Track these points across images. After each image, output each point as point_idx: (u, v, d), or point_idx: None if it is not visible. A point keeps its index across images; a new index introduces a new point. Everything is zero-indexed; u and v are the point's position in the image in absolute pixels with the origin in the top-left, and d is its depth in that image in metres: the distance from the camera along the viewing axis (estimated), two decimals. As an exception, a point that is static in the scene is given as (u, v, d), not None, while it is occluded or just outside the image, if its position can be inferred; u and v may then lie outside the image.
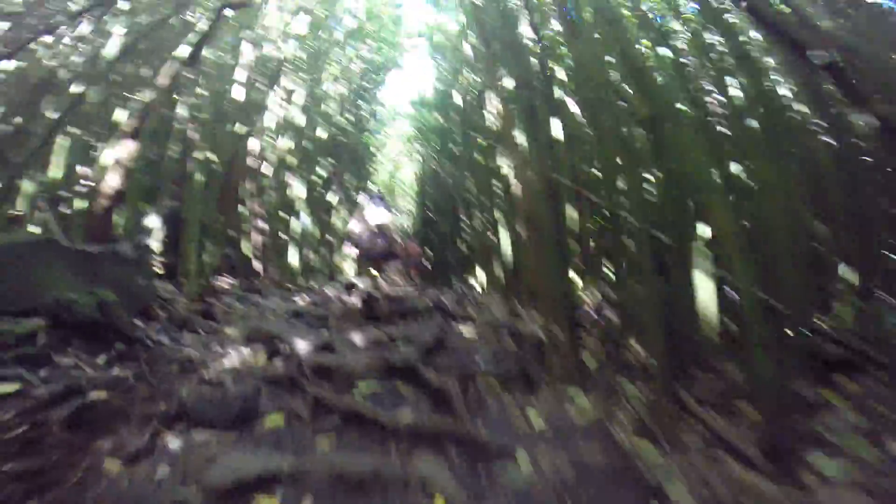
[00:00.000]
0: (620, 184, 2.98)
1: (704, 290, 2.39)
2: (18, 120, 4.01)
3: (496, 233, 7.90)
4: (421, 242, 18.18)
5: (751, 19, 2.76)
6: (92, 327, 2.50)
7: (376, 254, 5.64)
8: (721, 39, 3.49)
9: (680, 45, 4.20)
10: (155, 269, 4.54)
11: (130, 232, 4.38)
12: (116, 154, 4.17)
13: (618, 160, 2.86)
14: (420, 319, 5.03)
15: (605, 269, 4.73)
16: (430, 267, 17.42)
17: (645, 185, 2.79)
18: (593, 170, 3.90)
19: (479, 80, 10.69)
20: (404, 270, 13.39)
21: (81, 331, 2.49)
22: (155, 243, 4.67)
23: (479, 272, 10.54)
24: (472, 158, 10.96)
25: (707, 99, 3.76)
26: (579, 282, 5.70)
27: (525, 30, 7.33)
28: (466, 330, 4.49)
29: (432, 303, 5.91)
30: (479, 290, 9.78)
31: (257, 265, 7.62)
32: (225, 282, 6.39)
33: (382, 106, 15.79)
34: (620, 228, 2.89)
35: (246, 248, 7.53)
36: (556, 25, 4.92)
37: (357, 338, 3.84)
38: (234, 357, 3.14)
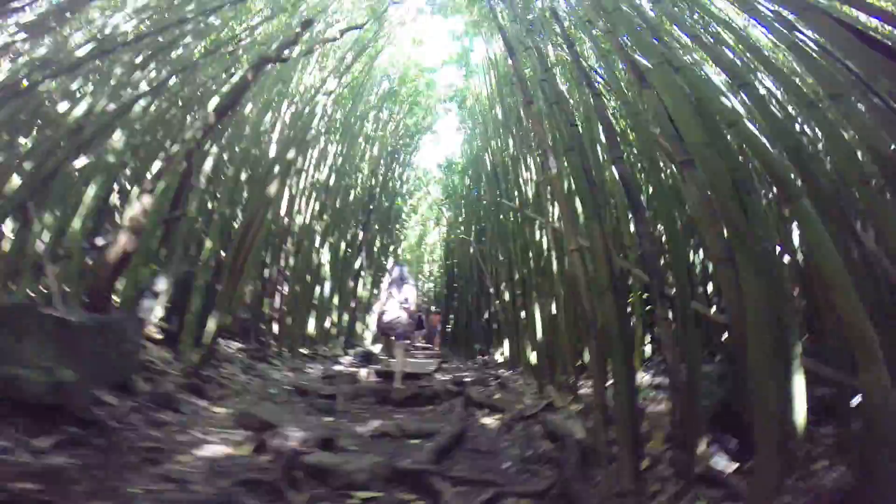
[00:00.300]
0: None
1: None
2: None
3: (529, 307, 7.35)
4: (445, 310, 17.69)
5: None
6: (40, 407, 2.08)
7: (401, 325, 5.45)
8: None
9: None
10: (153, 335, 4.17)
11: (133, 296, 4.09)
12: (132, 212, 3.99)
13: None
14: (438, 405, 4.42)
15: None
16: (450, 336, 16.82)
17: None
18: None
19: (514, 144, 10.80)
20: (426, 338, 12.78)
21: (27, 410, 2.07)
22: (158, 307, 4.33)
23: (506, 346, 9.90)
24: (503, 226, 10.74)
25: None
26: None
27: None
28: (491, 422, 3.85)
29: (455, 386, 5.31)
30: (503, 365, 9.11)
31: (274, 330, 7.25)
32: (236, 347, 5.99)
33: (414, 170, 16.02)
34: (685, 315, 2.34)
35: (263, 310, 7.22)
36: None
37: (364, 428, 3.28)
38: (214, 447, 2.63)
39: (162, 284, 4.45)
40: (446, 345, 15.57)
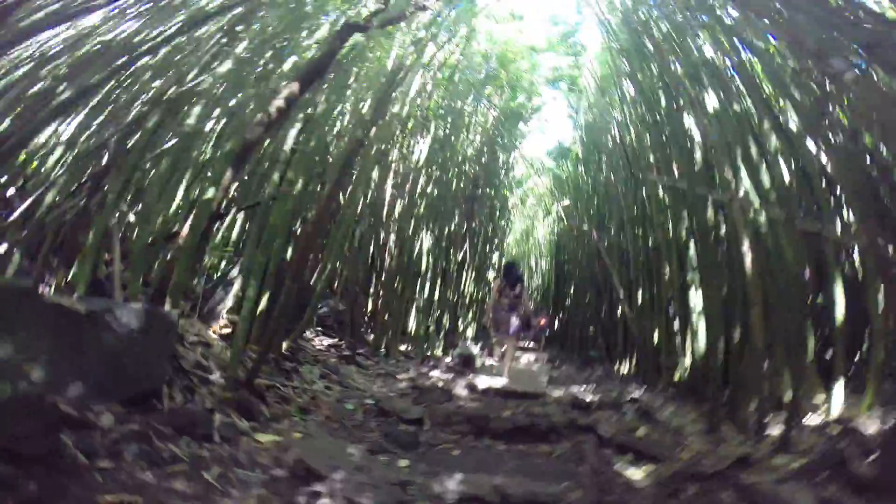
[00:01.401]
0: None
1: None
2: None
3: (686, 312, 5.72)
4: (553, 310, 16.05)
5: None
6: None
7: (511, 325, 5.57)
8: None
9: None
10: (220, 331, 3.60)
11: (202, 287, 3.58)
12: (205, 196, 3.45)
13: None
14: (556, 442, 3.20)
15: None
16: (558, 339, 15.13)
17: None
18: None
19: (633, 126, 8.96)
20: (532, 339, 11.41)
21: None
22: (229, 300, 3.75)
23: (635, 357, 8.16)
24: (638, 214, 8.97)
25: None
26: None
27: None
28: (643, 479, 2.54)
29: (575, 410, 4.02)
30: (629, 379, 7.42)
31: (373, 326, 6.62)
32: (327, 344, 5.39)
33: (520, 158, 14.69)
34: None
35: (362, 305, 6.63)
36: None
37: (447, 485, 2.21)
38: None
39: (236, 274, 3.88)
40: (554, 348, 14.03)
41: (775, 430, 3.50)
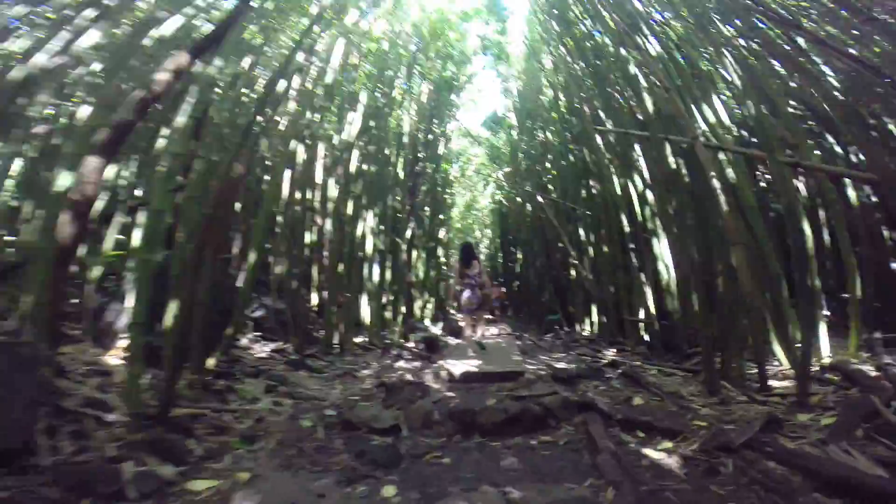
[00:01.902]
0: None
1: None
2: None
3: (646, 263, 5.51)
4: (501, 279, 15.94)
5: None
6: None
7: (475, 302, 6.16)
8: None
9: None
10: (122, 354, 2.77)
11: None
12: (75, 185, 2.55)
13: None
14: (556, 428, 2.79)
15: None
16: (511, 307, 15.11)
17: None
18: None
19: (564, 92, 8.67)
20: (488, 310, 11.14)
21: None
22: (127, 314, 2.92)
23: (595, 318, 8.06)
24: (588, 170, 8.75)
25: None
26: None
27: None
28: (670, 460, 2.16)
29: (562, 386, 3.64)
30: (594, 341, 7.32)
31: (323, 321, 5.87)
32: (271, 349, 4.62)
33: (456, 129, 14.13)
34: None
35: (305, 299, 5.84)
36: None
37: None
38: None
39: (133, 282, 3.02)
40: (511, 317, 13.98)
41: (775, 383, 3.33)
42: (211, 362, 3.13)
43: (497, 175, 14.30)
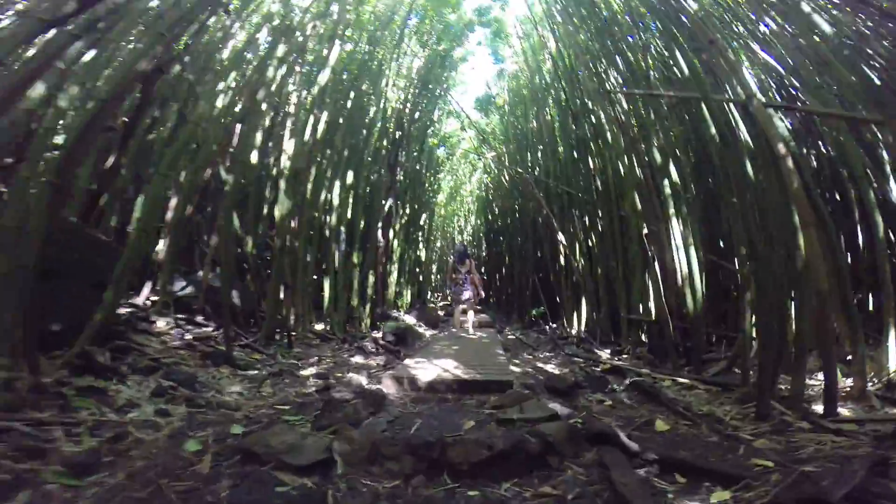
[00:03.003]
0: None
1: None
2: None
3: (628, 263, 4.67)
4: (483, 269, 15.04)
5: None
6: None
7: (467, 294, 6.63)
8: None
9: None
10: None
11: None
12: None
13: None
14: (560, 472, 1.90)
15: None
16: (493, 299, 14.22)
17: None
18: None
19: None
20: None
21: None
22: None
23: (584, 314, 7.22)
24: (568, 158, 7.85)
25: None
26: None
27: None
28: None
29: (557, 399, 2.76)
30: (580, 340, 6.47)
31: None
32: (196, 335, 3.64)
33: (447, 110, 13.11)
34: None
35: (251, 278, 4.83)
36: None
37: None
38: None
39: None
40: (492, 309, 13.12)
41: (833, 406, 2.50)
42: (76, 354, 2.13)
43: (487, 156, 13.33)
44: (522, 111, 10.99)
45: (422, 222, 11.24)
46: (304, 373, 3.41)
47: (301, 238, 4.75)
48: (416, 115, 10.71)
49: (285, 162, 4.74)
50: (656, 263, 4.30)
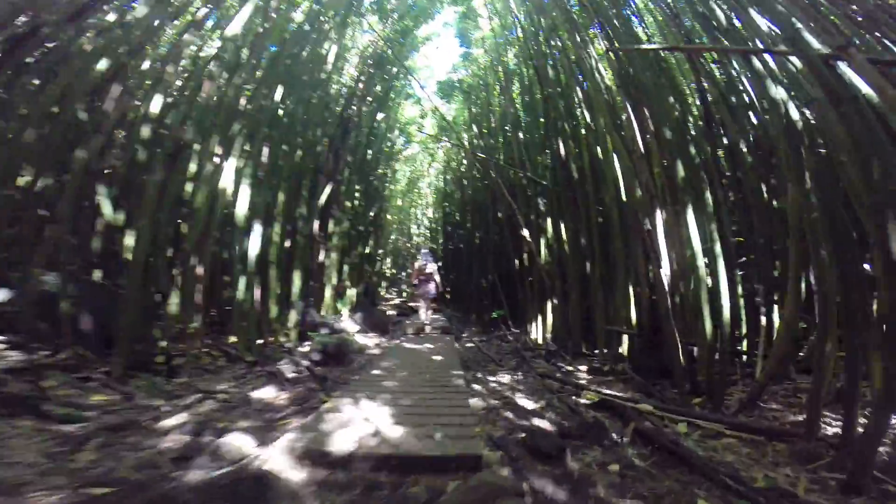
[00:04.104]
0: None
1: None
2: None
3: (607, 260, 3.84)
4: (440, 266, 14.03)
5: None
6: None
7: (429, 292, 7.00)
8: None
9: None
10: None
11: None
12: None
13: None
14: None
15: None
16: (448, 300, 13.24)
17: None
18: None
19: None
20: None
21: None
22: None
23: (549, 319, 6.37)
24: (538, 142, 6.96)
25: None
26: None
27: None
28: None
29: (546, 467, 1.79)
30: (541, 347, 5.63)
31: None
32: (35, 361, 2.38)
33: (406, 93, 11.94)
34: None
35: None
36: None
37: None
38: None
39: None
40: (449, 308, 12.16)
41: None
42: None
43: (447, 143, 12.31)
44: (486, 96, 10.07)
45: (372, 214, 10.06)
46: (168, 422, 2.27)
47: (195, 227, 3.52)
48: (369, 98, 9.51)
49: (176, 131, 3.48)
50: (651, 265, 3.46)
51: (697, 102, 4.43)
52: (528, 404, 3.03)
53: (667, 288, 3.18)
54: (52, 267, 2.79)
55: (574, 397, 3.19)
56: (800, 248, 2.48)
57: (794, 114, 2.36)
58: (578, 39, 4.79)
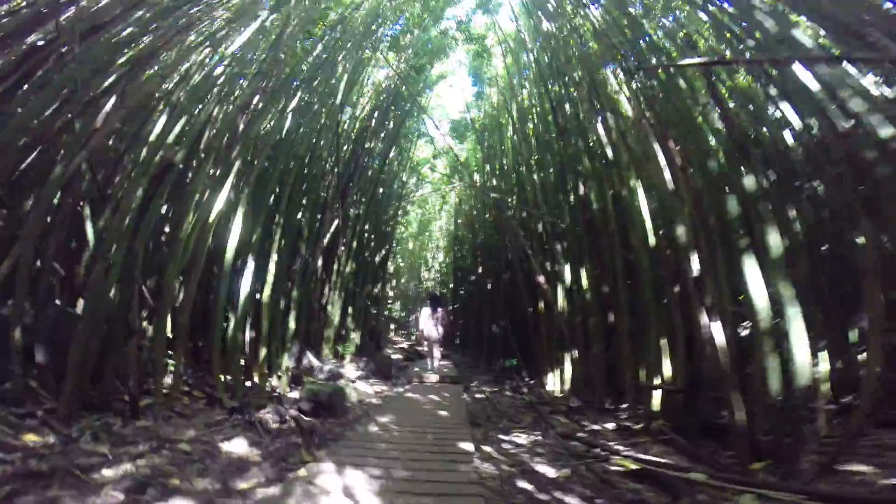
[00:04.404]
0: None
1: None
2: None
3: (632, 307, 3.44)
4: (452, 313, 13.52)
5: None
6: None
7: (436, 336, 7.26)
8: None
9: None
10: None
11: None
12: None
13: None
14: None
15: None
16: (459, 346, 12.62)
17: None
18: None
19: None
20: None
21: None
22: None
23: (567, 371, 5.78)
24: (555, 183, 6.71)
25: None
26: None
27: None
28: None
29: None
30: (563, 400, 5.04)
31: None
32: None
33: (419, 133, 12.02)
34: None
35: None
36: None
37: None
38: None
39: None
40: (458, 353, 11.54)
41: None
42: None
43: (458, 185, 12.20)
44: (499, 135, 10.03)
45: (380, 256, 9.78)
46: (107, 474, 1.86)
47: (180, 257, 3.22)
48: (381, 134, 9.53)
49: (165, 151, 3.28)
50: (693, 313, 3.02)
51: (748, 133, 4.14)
52: (549, 472, 2.52)
53: (719, 338, 2.73)
54: (11, 291, 2.48)
55: (604, 463, 2.68)
56: (876, 292, 2.07)
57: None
58: (596, 73, 4.63)
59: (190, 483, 1.94)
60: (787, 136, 3.44)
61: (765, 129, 3.65)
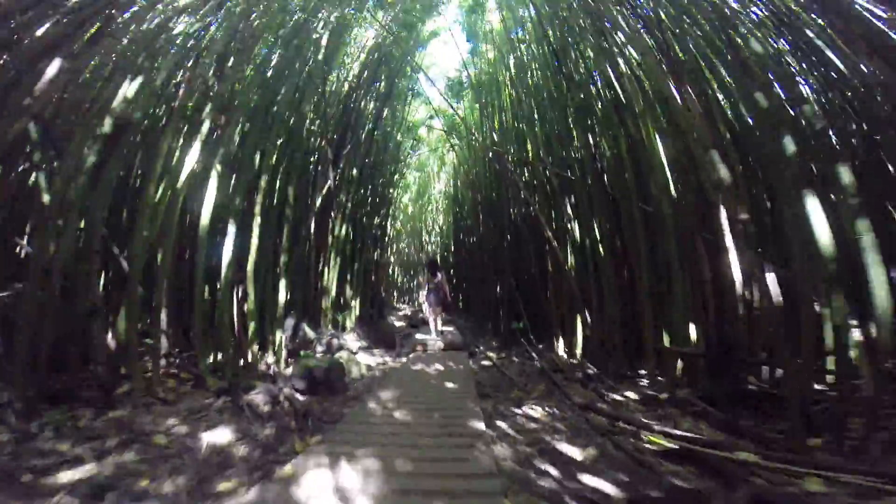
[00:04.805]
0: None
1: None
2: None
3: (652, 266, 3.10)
4: (450, 277, 13.26)
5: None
6: None
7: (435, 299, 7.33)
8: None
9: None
10: None
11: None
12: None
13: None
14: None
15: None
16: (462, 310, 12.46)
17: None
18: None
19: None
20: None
21: None
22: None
23: (579, 337, 5.51)
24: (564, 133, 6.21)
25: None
26: None
27: None
28: None
29: None
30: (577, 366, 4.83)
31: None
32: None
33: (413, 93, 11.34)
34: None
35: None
36: None
37: None
38: None
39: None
40: (462, 318, 11.36)
41: None
42: None
43: (457, 145, 11.65)
44: (497, 91, 9.39)
45: (378, 219, 9.40)
46: (63, 477, 1.59)
47: (150, 226, 2.86)
48: (373, 93, 8.91)
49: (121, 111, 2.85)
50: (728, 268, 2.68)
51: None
52: (573, 452, 2.26)
53: (768, 290, 2.40)
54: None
55: (632, 440, 2.41)
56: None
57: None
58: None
59: (157, 484, 1.66)
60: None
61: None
